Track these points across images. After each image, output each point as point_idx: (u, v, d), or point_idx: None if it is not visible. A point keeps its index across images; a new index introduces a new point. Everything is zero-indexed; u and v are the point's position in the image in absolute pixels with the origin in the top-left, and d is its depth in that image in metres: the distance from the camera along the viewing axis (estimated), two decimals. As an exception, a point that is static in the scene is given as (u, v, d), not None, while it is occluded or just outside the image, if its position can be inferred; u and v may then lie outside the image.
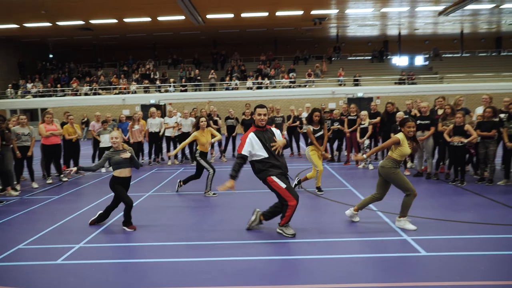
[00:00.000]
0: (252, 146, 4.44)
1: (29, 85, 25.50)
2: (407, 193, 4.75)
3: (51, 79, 26.61)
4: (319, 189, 6.86)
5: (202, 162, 7.02)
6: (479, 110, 8.05)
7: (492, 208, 5.66)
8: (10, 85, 25.43)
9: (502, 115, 7.40)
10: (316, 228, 4.94)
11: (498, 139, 7.22)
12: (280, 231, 4.65)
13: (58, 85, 25.68)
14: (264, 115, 4.49)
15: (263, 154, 4.46)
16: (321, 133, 6.82)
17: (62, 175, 9.00)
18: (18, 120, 8.15)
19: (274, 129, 4.71)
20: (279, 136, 4.67)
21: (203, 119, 7.29)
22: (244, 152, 4.45)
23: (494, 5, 21.49)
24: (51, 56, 31.96)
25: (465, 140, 7.00)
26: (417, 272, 3.61)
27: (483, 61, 28.33)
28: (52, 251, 4.40)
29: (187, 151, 11.44)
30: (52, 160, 8.85)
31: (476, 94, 20.29)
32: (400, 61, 29.62)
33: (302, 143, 12.12)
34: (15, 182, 7.89)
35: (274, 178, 4.43)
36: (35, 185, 8.23)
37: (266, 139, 4.48)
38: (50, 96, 24.86)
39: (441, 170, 8.10)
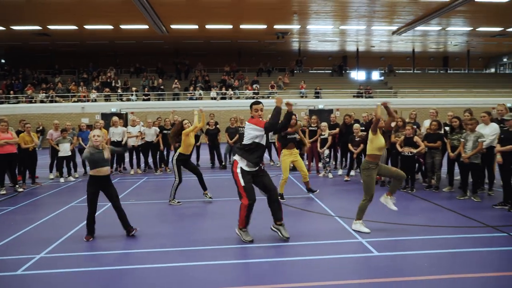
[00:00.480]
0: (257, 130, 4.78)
1: (-22, 91, 23.97)
2: (364, 198, 5.13)
3: (3, 85, 25.19)
4: (280, 196, 7.10)
5: (175, 168, 6.97)
6: (427, 123, 8.77)
7: (437, 212, 6.21)
8: (-44, 90, 23.78)
9: (446, 128, 8.13)
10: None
11: (443, 150, 7.92)
12: (238, 234, 4.80)
13: (11, 92, 24.36)
14: (261, 110, 4.95)
15: (262, 141, 4.76)
16: (294, 136, 7.27)
17: (17, 186, 8.62)
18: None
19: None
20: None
21: (186, 121, 7.33)
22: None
23: (440, 27, 23.40)
24: (3, 61, 30.29)
25: (414, 151, 7.61)
26: (369, 270, 3.94)
27: (432, 78, 30.52)
28: (11, 262, 4.29)
29: (150, 160, 11.34)
30: (6, 170, 8.46)
31: (426, 108, 21.67)
32: (358, 75, 31.19)
33: (272, 152, 12.47)
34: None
35: (239, 171, 4.65)
36: (-13, 196, 7.84)
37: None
38: (2, 103, 23.52)
39: (394, 179, 8.68)
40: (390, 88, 27.38)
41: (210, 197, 7.14)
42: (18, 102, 23.77)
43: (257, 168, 4.76)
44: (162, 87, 25.12)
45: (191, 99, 24.39)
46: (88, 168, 10.54)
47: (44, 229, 5.57)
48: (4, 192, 8.30)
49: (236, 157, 4.76)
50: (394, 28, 23.60)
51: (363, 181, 5.23)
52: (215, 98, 24.37)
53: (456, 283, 3.60)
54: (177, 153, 7.03)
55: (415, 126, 8.22)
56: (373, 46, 29.68)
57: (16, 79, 25.94)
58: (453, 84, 27.42)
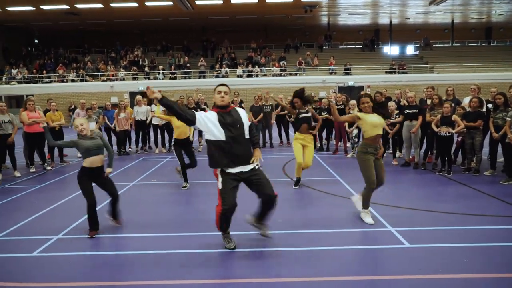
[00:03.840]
0: (206, 123, 3.67)
1: (14, 71, 24.83)
2: (366, 185, 4.66)
3: (36, 65, 25.94)
4: (296, 181, 6.62)
5: (176, 153, 6.71)
6: (467, 100, 8.04)
7: (477, 198, 5.67)
8: (-7, 71, 24.74)
9: (489, 106, 7.41)
10: (301, 220, 4.89)
11: (485, 130, 7.23)
12: (253, 224, 4.11)
13: (44, 71, 25.04)
14: (225, 93, 3.72)
15: (220, 135, 3.66)
16: (307, 115, 6.47)
17: (46, 164, 8.80)
18: (-3, 107, 7.90)
19: (238, 109, 3.89)
20: (245, 117, 3.85)
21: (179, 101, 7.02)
22: (197, 114, 3.70)
23: (484, -6, 21.50)
24: (36, 41, 31.12)
25: (453, 131, 6.99)
26: (399, 265, 3.58)
27: (473, 51, 28.42)
28: (29, 242, 4.28)
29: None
30: (35, 148, 8.63)
31: (465, 84, 20.42)
32: (391, 50, 29.60)
33: (291, 131, 12.04)
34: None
35: (218, 173, 3.77)
36: (17, 174, 8.04)
37: (229, 121, 3.69)
38: (36, 82, 24.26)
39: (429, 160, 8.11)
40: (425, 63, 25.82)
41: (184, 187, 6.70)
42: (50, 82, 24.43)
43: (238, 170, 3.73)
44: (188, 65, 24.97)
45: (217, 77, 24.11)
46: (114, 147, 10.57)
47: (66, 208, 5.57)
48: (34, 170, 8.49)
49: None
50: (432, -3, 21.96)
51: (360, 168, 4.67)
52: (241, 76, 23.96)
53: (500, 284, 3.19)
54: (173, 139, 6.84)
55: (453, 104, 7.54)
56: (408, 18, 27.87)
57: (48, 58, 26.61)
58: (497, 58, 25.42)
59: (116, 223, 4.75)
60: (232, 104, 3.98)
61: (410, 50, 30.64)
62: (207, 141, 3.75)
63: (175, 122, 6.63)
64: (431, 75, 24.02)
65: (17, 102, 22.10)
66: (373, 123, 4.58)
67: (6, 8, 21.50)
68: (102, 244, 4.31)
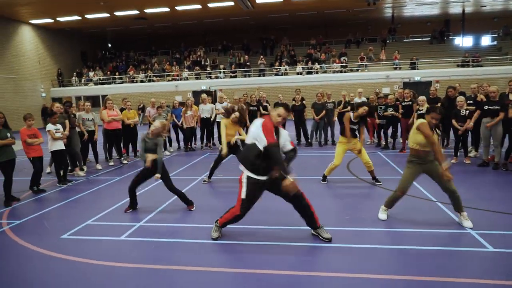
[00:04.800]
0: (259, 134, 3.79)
1: (91, 74, 27.25)
2: (396, 189, 4.54)
3: (110, 67, 28.21)
4: (323, 177, 6.70)
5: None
6: (559, 94, 7.23)
7: None
8: (74, 73, 27.35)
9: None
10: (370, 218, 4.79)
11: None
12: (213, 226, 4.36)
13: (117, 73, 27.16)
14: (284, 119, 3.89)
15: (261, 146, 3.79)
16: (355, 127, 6.48)
17: (122, 158, 9.57)
18: (83, 106, 8.78)
19: (282, 129, 4.00)
20: (286, 136, 3.98)
21: (236, 114, 6.80)
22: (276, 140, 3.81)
23: None
24: (109, 45, 33.81)
25: (541, 128, 6.34)
26: (483, 269, 3.37)
27: (563, 39, 25.25)
28: (116, 228, 4.73)
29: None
30: (113, 143, 9.44)
31: (552, 76, 18.26)
32: (463, 41, 27.39)
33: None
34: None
35: (244, 181, 3.93)
36: (99, 166, 8.86)
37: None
38: (110, 83, 26.39)
39: (510, 160, 7.43)
40: (505, 54, 23.47)
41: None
42: (122, 82, 26.42)
43: (268, 177, 3.89)
44: (248, 63, 25.42)
45: (276, 74, 24.26)
46: (181, 143, 11.16)
47: (144, 199, 6.04)
48: (112, 163, 9.29)
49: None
50: (514, -19, 19.89)
51: (403, 172, 4.55)
52: (301, 73, 23.84)
53: None
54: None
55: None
56: (484, 6, 25.54)
57: (120, 61, 28.79)
58: None
59: (189, 208, 5.28)
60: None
61: (486, 40, 28.07)
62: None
63: (228, 130, 6.81)
64: (510, 67, 21.81)
65: (93, 102, 24.26)
66: (421, 141, 4.31)
67: (85, 16, 23.65)
68: (180, 231, 4.61)
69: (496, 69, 21.69)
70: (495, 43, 26.48)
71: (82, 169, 8.34)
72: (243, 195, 3.93)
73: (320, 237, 4.11)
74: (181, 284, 3.31)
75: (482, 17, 27.75)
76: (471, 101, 8.24)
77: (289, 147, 3.97)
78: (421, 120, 4.41)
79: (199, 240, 4.29)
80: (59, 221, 5.13)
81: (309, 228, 4.20)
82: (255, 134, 3.82)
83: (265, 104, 11.44)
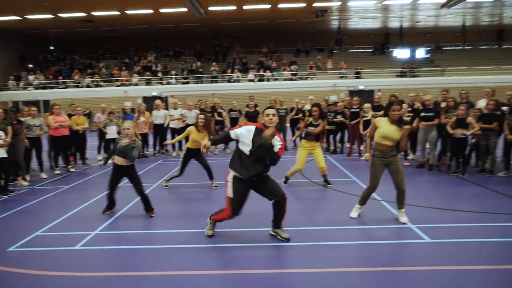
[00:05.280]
0: (243, 135, 4.06)
1: (30, 77, 25.49)
2: (369, 187, 4.90)
3: (52, 71, 26.60)
4: (285, 179, 7.01)
5: (181, 160, 7.02)
6: (482, 103, 8.18)
7: (493, 198, 5.82)
8: (11, 77, 25.42)
9: (504, 108, 7.53)
10: (323, 217, 5.10)
11: (499, 132, 7.36)
12: (207, 224, 4.53)
13: (60, 77, 25.68)
14: (273, 115, 4.08)
15: (246, 149, 4.03)
16: (317, 128, 6.82)
17: (69, 166, 9.14)
18: (29, 111, 8.28)
19: (277, 137, 4.11)
20: (279, 142, 4.10)
21: (201, 117, 7.06)
22: (232, 133, 4.13)
23: (496, -3, 21.51)
24: (52, 48, 31.90)
25: (467, 132, 7.14)
26: (421, 257, 3.78)
27: (485, 54, 28.31)
28: (70, 237, 4.57)
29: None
30: (60, 151, 8.98)
31: (477, 87, 20.36)
32: (401, 53, 29.59)
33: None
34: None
35: (229, 180, 4.15)
36: (44, 175, 8.39)
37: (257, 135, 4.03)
38: (52, 88, 24.88)
39: (443, 162, 8.24)
40: (436, 66, 25.82)
41: (215, 186, 6.98)
42: (66, 87, 25.03)
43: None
44: (200, 70, 25.36)
45: (229, 81, 24.45)
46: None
47: (98, 207, 5.86)
48: (59, 172, 8.84)
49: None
50: (443, 0, 21.99)
51: (370, 169, 4.89)
52: (252, 80, 24.26)
53: (518, 274, 3.37)
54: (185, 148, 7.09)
55: (467, 106, 7.67)
56: (419, 22, 27.92)
57: (64, 64, 27.29)
58: (509, 60, 25.29)
59: (149, 215, 5.31)
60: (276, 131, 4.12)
61: (421, 53, 30.56)
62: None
63: (194, 135, 6.93)
64: (442, 78, 24.01)
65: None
66: (383, 134, 4.68)
67: (25, 16, 22.18)
68: (138, 238, 4.57)
69: (430, 79, 23.76)
70: (428, 55, 28.97)
71: (24, 179, 7.85)
72: (230, 194, 4.13)
73: (279, 236, 4.33)
74: (143, 289, 3.32)
75: (417, 32, 30.25)
76: (410, 109, 9.03)
77: (277, 145, 4.07)
78: (378, 119, 4.85)
79: (157, 245, 4.29)
80: (3, 233, 4.82)
81: (271, 227, 4.41)
82: (244, 137, 4.05)
83: (219, 110, 11.55)
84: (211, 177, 7.11)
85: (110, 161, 5.53)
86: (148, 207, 5.36)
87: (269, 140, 3.92)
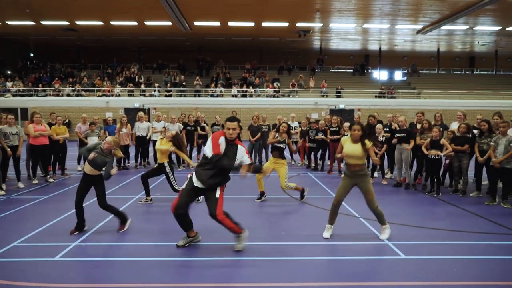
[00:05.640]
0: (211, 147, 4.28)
1: (9, 84, 24.88)
2: (333, 200, 5.13)
3: (32, 78, 26.05)
4: (261, 194, 7.09)
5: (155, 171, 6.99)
6: (455, 125, 8.61)
7: (465, 217, 6.11)
8: (-12, 82, 24.74)
9: (475, 131, 7.97)
10: (302, 233, 5.22)
11: (471, 154, 7.75)
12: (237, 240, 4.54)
13: (40, 85, 25.17)
14: (234, 129, 4.22)
15: (208, 155, 4.30)
16: (281, 146, 7.03)
17: (48, 176, 8.96)
18: (6, 119, 8.11)
19: (240, 146, 4.35)
20: (243, 153, 4.35)
21: (172, 133, 6.99)
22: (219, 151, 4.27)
23: (468, 27, 22.78)
24: (32, 55, 31.30)
25: (441, 153, 7.50)
26: (397, 273, 3.93)
27: (458, 78, 29.74)
28: (48, 248, 4.49)
29: (173, 155, 11.54)
30: (39, 160, 8.80)
31: (451, 109, 21.35)
32: (380, 75, 30.69)
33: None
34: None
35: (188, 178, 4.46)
36: (21, 185, 8.19)
37: (226, 150, 4.28)
38: (31, 95, 24.33)
39: (419, 181, 8.56)
40: (413, 89, 26.88)
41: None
42: (46, 95, 24.53)
43: (203, 186, 4.31)
44: (184, 83, 25.44)
45: (212, 96, 24.61)
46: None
47: (76, 219, 5.79)
48: (37, 182, 8.64)
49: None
50: (419, 27, 23.12)
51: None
52: (236, 96, 24.51)
53: (486, 290, 3.57)
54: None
55: (441, 129, 8.08)
56: (396, 45, 29.13)
57: (44, 72, 26.79)
58: (480, 86, 26.66)
59: (121, 229, 5.20)
60: (238, 140, 4.40)
61: (398, 75, 31.83)
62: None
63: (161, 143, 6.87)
64: (419, 100, 25.00)
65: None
66: (348, 153, 4.86)
67: (6, 22, 21.79)
68: (118, 250, 4.55)
69: (407, 101, 24.68)
70: (405, 78, 30.15)
71: (1, 188, 7.63)
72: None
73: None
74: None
75: (395, 55, 31.50)
76: (387, 129, 9.39)
77: (247, 161, 4.34)
78: (343, 138, 5.09)
79: (136, 258, 4.29)
80: (-22, 244, 4.70)
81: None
82: (206, 147, 4.35)
83: (203, 124, 11.62)
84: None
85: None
86: (122, 218, 5.23)
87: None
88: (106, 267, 4.05)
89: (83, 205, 5.16)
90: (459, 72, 32.60)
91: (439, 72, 31.34)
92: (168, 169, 6.78)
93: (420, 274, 3.87)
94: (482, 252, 4.52)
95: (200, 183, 4.30)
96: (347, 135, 9.67)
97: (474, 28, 23.13)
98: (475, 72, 32.94)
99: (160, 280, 3.73)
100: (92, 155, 5.01)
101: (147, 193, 6.96)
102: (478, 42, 27.65)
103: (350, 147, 4.89)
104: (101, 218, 5.67)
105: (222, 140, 4.29)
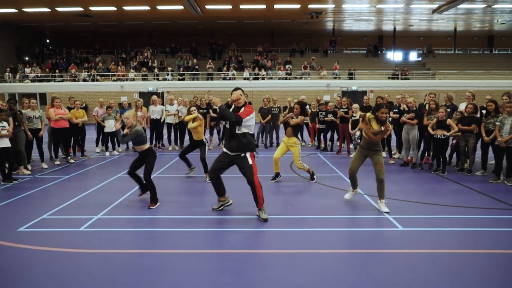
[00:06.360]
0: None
1: (27, 70, 25.61)
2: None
3: (49, 64, 26.73)
4: (276, 175, 7.38)
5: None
6: (463, 106, 8.66)
7: (467, 194, 6.29)
8: (8, 69, 25.51)
9: (483, 111, 8.02)
10: (308, 208, 5.53)
11: (478, 134, 7.83)
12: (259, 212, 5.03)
13: (56, 71, 25.83)
14: (241, 95, 4.92)
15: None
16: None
17: (69, 157, 9.47)
18: (29, 103, 8.59)
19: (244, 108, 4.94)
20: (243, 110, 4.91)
21: (193, 108, 7.80)
22: (244, 119, 4.81)
23: (486, 5, 22.11)
24: (48, 41, 31.95)
25: (447, 133, 7.62)
26: (392, 242, 4.22)
27: (475, 58, 29.04)
28: (74, 220, 4.94)
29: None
30: (60, 142, 9.30)
31: (466, 90, 21.02)
32: (394, 56, 30.21)
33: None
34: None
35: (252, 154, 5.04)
36: (44, 165, 8.71)
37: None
38: (49, 81, 25.03)
39: (426, 161, 8.71)
40: (428, 70, 26.44)
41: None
42: (63, 81, 25.20)
43: (232, 153, 4.94)
44: (196, 67, 25.68)
45: (224, 79, 24.82)
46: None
47: (98, 195, 6.23)
48: (59, 162, 9.16)
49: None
50: (435, 6, 22.57)
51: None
52: (248, 79, 24.64)
53: (472, 257, 3.82)
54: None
55: (448, 110, 8.16)
56: (412, 26, 28.54)
57: (60, 58, 27.41)
58: (498, 65, 26.02)
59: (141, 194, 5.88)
60: (248, 104, 5.03)
61: (413, 56, 31.24)
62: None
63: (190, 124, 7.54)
64: (433, 81, 24.63)
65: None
66: (373, 130, 5.32)
67: (23, 9, 22.29)
68: (138, 222, 4.96)
69: (421, 82, 24.36)
70: (420, 59, 29.60)
71: (26, 168, 8.17)
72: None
73: (259, 217, 4.91)
74: (145, 266, 3.71)
75: (409, 35, 30.88)
76: (396, 110, 9.49)
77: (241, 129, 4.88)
78: (368, 114, 5.44)
79: (158, 228, 4.69)
80: (12, 216, 5.17)
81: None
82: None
83: (215, 107, 11.89)
84: (205, 171, 7.48)
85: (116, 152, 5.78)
86: (152, 196, 5.66)
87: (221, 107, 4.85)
88: (127, 236, 4.46)
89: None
90: (477, 52, 31.78)
91: (456, 52, 30.63)
92: (206, 143, 7.69)
93: (414, 243, 4.14)
94: (479, 224, 4.75)
95: (229, 150, 4.94)
96: (355, 116, 9.88)
97: (493, 6, 22.44)
98: (494, 52, 32.04)
99: (179, 247, 4.11)
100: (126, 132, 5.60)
101: (189, 165, 7.82)
102: (498, 21, 26.82)
103: (375, 126, 5.33)
104: (119, 196, 6.09)
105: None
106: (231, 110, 4.89)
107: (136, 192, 6.14)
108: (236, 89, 4.97)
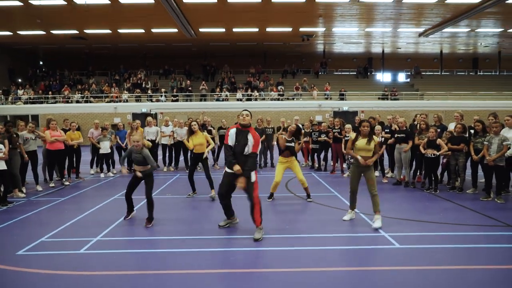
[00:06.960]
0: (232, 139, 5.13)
1: (20, 92, 25.61)
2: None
3: (41, 86, 26.77)
4: (270, 195, 7.48)
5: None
6: (452, 126, 8.94)
7: (459, 212, 6.45)
8: (0, 91, 25.47)
9: (472, 131, 8.30)
10: (306, 226, 5.61)
11: (468, 153, 8.07)
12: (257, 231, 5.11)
13: (50, 92, 25.86)
14: (246, 115, 5.17)
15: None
16: (291, 144, 7.38)
17: (64, 179, 9.43)
18: (26, 126, 8.64)
19: (251, 135, 5.10)
20: (251, 143, 5.07)
21: (194, 123, 7.85)
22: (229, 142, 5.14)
23: (470, 29, 23.06)
24: (41, 63, 32.10)
25: (437, 153, 7.84)
26: (389, 260, 4.32)
27: (461, 80, 29.94)
28: (73, 243, 4.93)
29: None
30: (55, 164, 9.29)
31: (454, 110, 21.54)
32: (383, 77, 31.01)
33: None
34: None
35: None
36: (39, 188, 8.67)
37: (237, 136, 5.11)
38: (41, 103, 25.01)
39: (418, 180, 8.90)
40: (416, 90, 27.14)
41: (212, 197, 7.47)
42: (56, 102, 25.21)
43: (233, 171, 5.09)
44: (190, 88, 25.97)
45: (217, 100, 25.10)
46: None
47: (96, 216, 6.22)
48: (53, 185, 9.12)
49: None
50: (421, 30, 23.45)
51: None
52: (241, 100, 24.97)
53: (466, 273, 3.93)
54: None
55: (438, 130, 8.43)
56: (399, 48, 29.46)
57: (54, 80, 27.50)
58: (483, 87, 26.86)
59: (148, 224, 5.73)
60: (251, 128, 5.26)
61: (402, 77, 32.08)
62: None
63: (194, 140, 7.71)
64: (422, 101, 25.26)
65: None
66: (359, 147, 5.68)
67: (17, 32, 22.52)
68: (138, 243, 4.97)
69: (410, 102, 24.95)
70: (408, 80, 30.41)
71: (21, 191, 8.12)
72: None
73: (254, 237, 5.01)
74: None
75: (398, 57, 31.82)
76: (387, 130, 9.75)
77: (249, 151, 5.05)
78: (352, 135, 5.88)
79: (158, 249, 4.71)
80: (10, 240, 5.14)
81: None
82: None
83: (209, 128, 12.05)
84: (212, 187, 7.56)
85: (111, 173, 5.88)
86: (149, 215, 5.72)
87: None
88: (128, 257, 4.47)
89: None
90: (463, 74, 32.80)
91: (442, 73, 31.56)
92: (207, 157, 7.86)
93: (411, 260, 4.24)
94: (470, 241, 4.88)
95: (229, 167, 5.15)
96: (348, 136, 10.08)
97: (477, 30, 23.40)
98: (478, 73, 33.11)
99: (183, 267, 4.14)
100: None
101: (193, 189, 7.86)
102: (481, 44, 27.87)
103: (360, 142, 5.65)
104: (118, 216, 6.10)
105: (232, 132, 5.14)
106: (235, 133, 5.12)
107: (137, 212, 6.17)
108: (246, 110, 5.30)
